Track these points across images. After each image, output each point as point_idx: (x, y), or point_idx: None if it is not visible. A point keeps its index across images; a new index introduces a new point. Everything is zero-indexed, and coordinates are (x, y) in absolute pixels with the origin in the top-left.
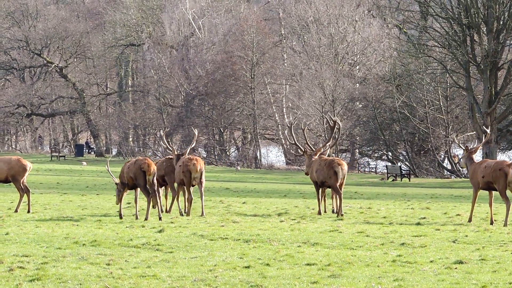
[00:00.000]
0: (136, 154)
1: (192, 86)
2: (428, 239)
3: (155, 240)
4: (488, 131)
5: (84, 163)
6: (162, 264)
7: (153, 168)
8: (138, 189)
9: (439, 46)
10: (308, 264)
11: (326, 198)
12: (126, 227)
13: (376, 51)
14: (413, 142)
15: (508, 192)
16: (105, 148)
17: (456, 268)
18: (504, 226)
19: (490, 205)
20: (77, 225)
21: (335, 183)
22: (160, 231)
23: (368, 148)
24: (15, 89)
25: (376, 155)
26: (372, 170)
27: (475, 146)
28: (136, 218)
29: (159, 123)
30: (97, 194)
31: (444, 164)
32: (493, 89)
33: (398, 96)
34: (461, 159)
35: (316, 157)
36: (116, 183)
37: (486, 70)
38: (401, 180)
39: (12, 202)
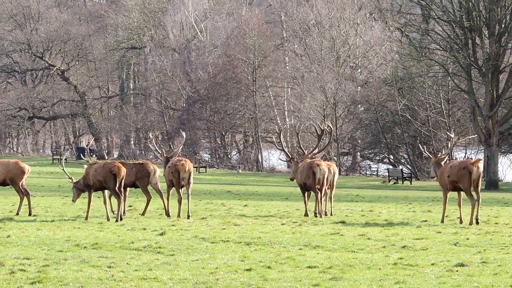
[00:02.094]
0: (137, 157)
1: (194, 89)
2: (429, 242)
3: (156, 243)
4: (452, 135)
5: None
6: (163, 267)
7: (123, 171)
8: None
9: (440, 49)
10: (309, 267)
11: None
12: (128, 229)
13: (377, 54)
14: (415, 145)
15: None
16: (106, 151)
17: (457, 270)
18: (470, 224)
19: (459, 205)
20: (78, 227)
21: (313, 184)
22: (161, 234)
23: (370, 151)
24: (17, 92)
25: (377, 158)
26: (374, 173)
27: (443, 153)
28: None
29: (160, 126)
30: (98, 197)
31: None
32: (494, 92)
33: (400, 99)
34: (430, 168)
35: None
36: (74, 183)
37: (487, 73)
38: (402, 183)
39: (13, 205)
